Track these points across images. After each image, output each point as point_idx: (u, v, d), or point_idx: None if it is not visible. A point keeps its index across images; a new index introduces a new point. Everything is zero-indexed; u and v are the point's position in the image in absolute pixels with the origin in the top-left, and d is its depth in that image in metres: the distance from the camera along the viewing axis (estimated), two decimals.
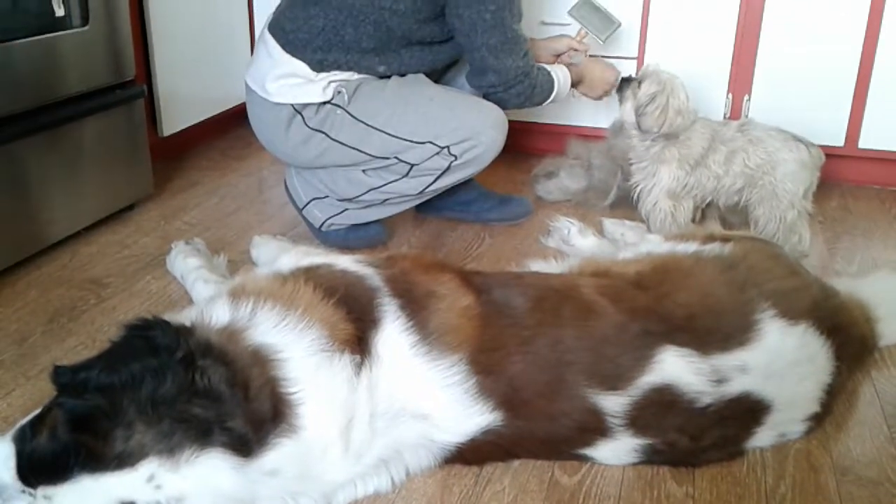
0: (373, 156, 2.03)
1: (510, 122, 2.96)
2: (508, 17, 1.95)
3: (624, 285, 1.46)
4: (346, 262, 1.41)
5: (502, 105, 2.10)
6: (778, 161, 2.06)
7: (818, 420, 1.44)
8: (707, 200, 2.19)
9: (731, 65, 2.75)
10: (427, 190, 2.08)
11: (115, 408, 1.08)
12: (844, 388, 1.54)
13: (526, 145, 3.05)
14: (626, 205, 2.47)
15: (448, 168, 2.03)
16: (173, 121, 2.79)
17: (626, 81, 2.19)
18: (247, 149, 3.01)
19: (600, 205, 2.52)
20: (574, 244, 2.16)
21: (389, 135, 2.00)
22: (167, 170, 2.75)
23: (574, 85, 2.27)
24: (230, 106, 3.04)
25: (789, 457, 1.40)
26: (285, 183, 2.29)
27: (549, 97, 2.17)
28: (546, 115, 2.95)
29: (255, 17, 3.15)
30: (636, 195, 2.21)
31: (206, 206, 2.50)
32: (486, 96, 2.10)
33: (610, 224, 2.30)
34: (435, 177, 2.04)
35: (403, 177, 2.05)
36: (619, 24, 2.40)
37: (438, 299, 1.33)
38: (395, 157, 2.02)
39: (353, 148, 2.03)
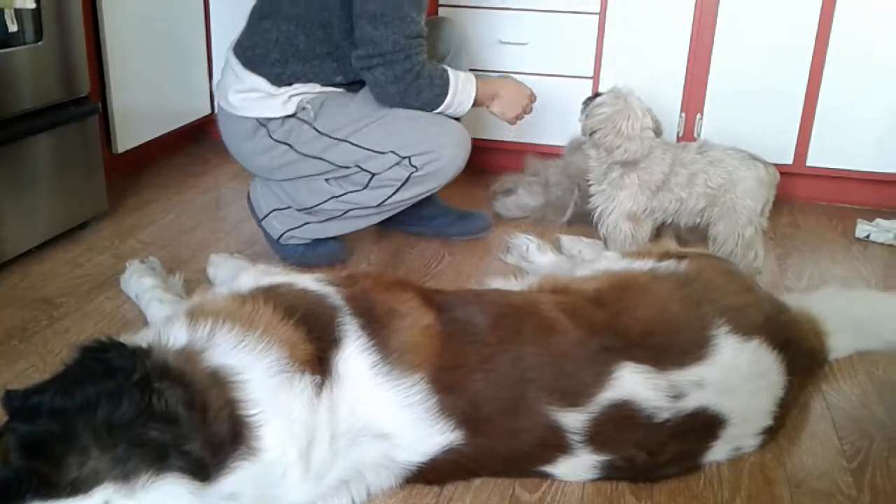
0: (335, 165, 2.05)
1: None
2: None
3: (582, 302, 1.47)
4: (306, 281, 1.40)
5: (385, 96, 2.00)
6: (738, 179, 2.11)
7: (772, 433, 1.47)
8: (669, 221, 2.22)
9: (684, 85, 2.81)
10: (386, 202, 2.08)
11: (68, 433, 1.06)
12: (796, 401, 1.58)
13: (484, 162, 3.07)
14: (583, 221, 2.50)
15: (408, 179, 2.03)
16: (128, 137, 2.75)
17: (591, 99, 2.22)
18: (203, 166, 2.98)
19: (558, 221, 2.55)
20: (533, 261, 2.18)
21: (353, 144, 2.02)
22: (121, 187, 2.71)
23: (486, 102, 2.17)
24: (186, 122, 3.01)
25: (744, 470, 1.42)
26: (248, 195, 2.28)
27: (443, 97, 2.02)
28: (503, 132, 2.98)
29: (212, 32, 3.13)
30: (596, 216, 2.24)
31: (162, 224, 2.47)
32: (366, 76, 1.99)
33: (567, 241, 2.32)
34: (395, 188, 2.05)
35: (364, 188, 2.06)
36: None
37: (399, 318, 1.33)
38: (357, 166, 2.03)
39: (317, 157, 2.05)
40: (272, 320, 1.26)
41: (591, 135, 2.15)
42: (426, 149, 2.00)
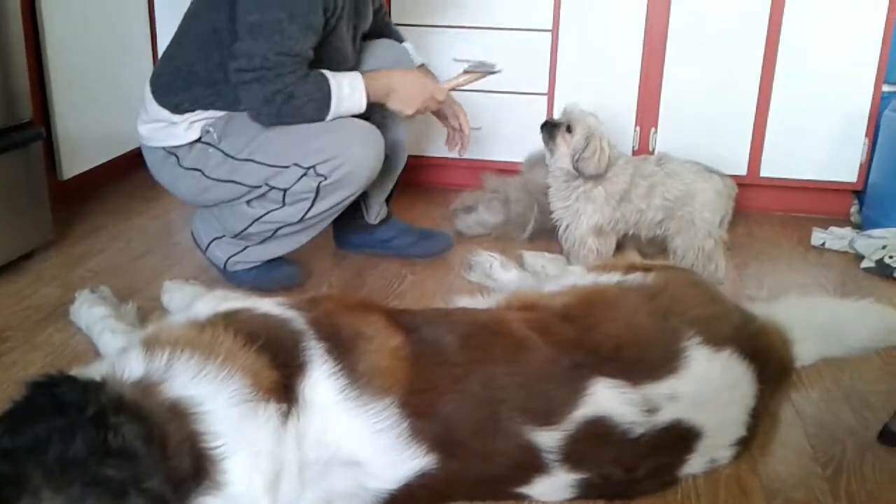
0: (247, 185, 2.01)
1: (426, 158, 2.96)
2: (276, 6, 1.82)
3: (552, 318, 1.45)
4: (267, 305, 1.35)
5: (261, 118, 1.94)
6: (695, 191, 2.12)
7: (745, 444, 1.46)
8: (630, 233, 2.23)
9: (638, 99, 2.84)
10: (308, 217, 2.02)
11: (18, 474, 0.99)
12: (767, 410, 1.57)
13: (443, 181, 3.06)
14: (544, 237, 2.50)
15: (318, 189, 1.97)
16: (73, 163, 2.67)
17: (552, 127, 2.21)
18: (152, 191, 2.88)
19: (519, 237, 2.54)
20: (497, 278, 2.15)
21: (257, 162, 1.98)
22: (68, 215, 2.62)
23: (382, 99, 2.03)
24: (133, 147, 2.92)
25: (721, 483, 1.40)
26: (191, 228, 2.24)
27: (326, 111, 1.93)
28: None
29: (158, 55, 3.05)
30: (561, 231, 2.23)
31: (112, 252, 2.38)
32: (241, 94, 1.92)
33: (530, 257, 2.30)
34: (310, 201, 1.99)
35: (282, 204, 2.01)
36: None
37: (366, 341, 1.29)
38: (267, 185, 1.99)
39: (228, 181, 2.01)
40: (233, 347, 1.20)
41: (577, 160, 2.13)
42: (329, 155, 1.94)
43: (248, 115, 1.95)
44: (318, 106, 1.93)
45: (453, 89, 2.16)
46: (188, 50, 1.98)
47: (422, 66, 2.29)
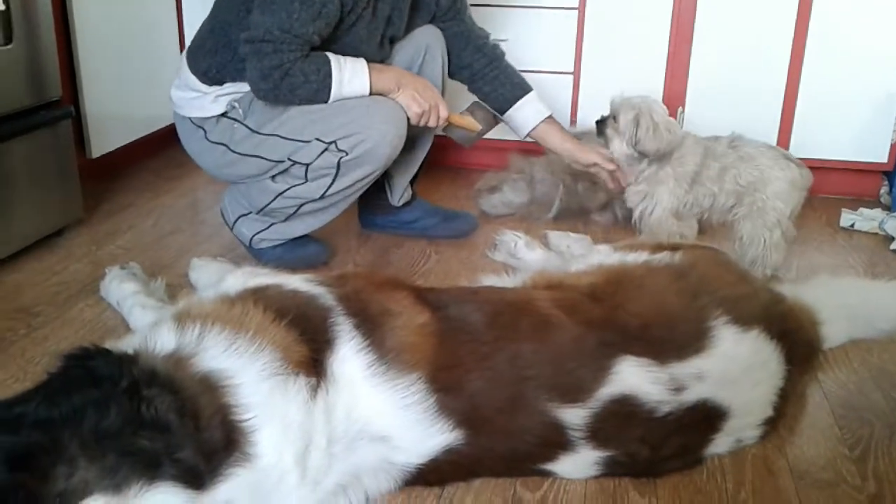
0: (271, 160, 2.02)
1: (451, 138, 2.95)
2: None
3: (579, 297, 1.45)
4: (296, 281, 1.37)
5: (259, 93, 1.92)
6: (769, 179, 2.04)
7: (772, 424, 1.46)
8: (704, 217, 2.19)
9: (665, 78, 2.81)
10: (329, 193, 2.03)
11: (55, 443, 1.01)
12: (795, 391, 1.56)
13: (468, 161, 3.05)
14: (569, 217, 2.49)
15: (339, 165, 1.97)
16: (102, 142, 2.69)
17: (600, 123, 2.19)
18: (180, 169, 2.92)
19: (544, 218, 2.53)
20: (521, 257, 2.15)
21: (281, 137, 1.99)
22: (97, 192, 2.65)
23: (391, 91, 1.99)
24: (161, 125, 2.95)
25: (747, 462, 1.40)
26: (221, 205, 2.26)
27: (325, 93, 1.92)
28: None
29: (185, 34, 3.08)
30: (636, 216, 2.20)
31: (141, 229, 2.41)
32: (247, 68, 1.90)
33: (555, 237, 2.30)
34: (331, 177, 2.00)
35: (304, 180, 2.02)
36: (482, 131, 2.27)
37: (394, 317, 1.30)
38: (290, 159, 2.00)
39: (253, 156, 2.03)
40: (263, 322, 1.22)
41: (635, 143, 2.11)
42: (350, 131, 1.94)
43: (252, 92, 1.95)
44: (316, 87, 1.91)
45: (453, 122, 2.16)
46: (224, 13, 1.99)
47: (550, 117, 2.30)
